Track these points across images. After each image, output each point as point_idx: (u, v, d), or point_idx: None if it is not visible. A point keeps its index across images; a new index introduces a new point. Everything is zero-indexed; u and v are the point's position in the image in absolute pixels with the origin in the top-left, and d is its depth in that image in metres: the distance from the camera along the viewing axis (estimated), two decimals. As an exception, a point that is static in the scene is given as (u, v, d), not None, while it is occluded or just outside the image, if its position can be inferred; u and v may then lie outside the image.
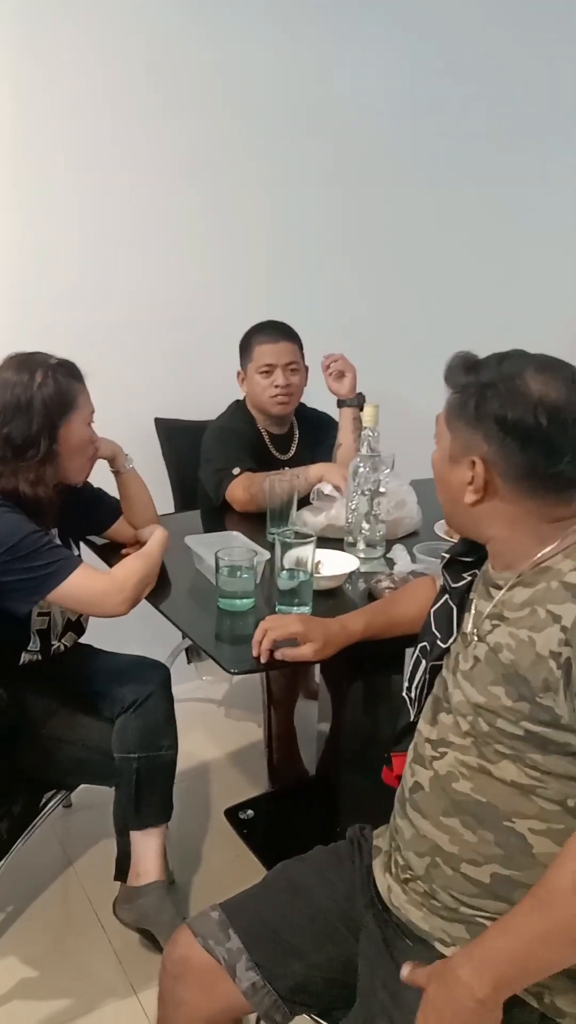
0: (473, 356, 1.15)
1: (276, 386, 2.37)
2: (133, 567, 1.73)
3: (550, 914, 0.96)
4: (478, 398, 1.10)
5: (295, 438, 2.54)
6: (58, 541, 1.83)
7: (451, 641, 1.25)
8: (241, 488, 2.24)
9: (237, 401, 2.52)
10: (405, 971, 1.06)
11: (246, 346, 2.42)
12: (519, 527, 1.12)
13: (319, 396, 2.52)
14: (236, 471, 2.27)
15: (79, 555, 1.95)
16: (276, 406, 2.40)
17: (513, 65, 3.23)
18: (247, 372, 2.42)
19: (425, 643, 1.31)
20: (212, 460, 2.36)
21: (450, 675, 1.22)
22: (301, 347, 2.42)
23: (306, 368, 2.45)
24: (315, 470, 2.23)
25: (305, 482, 2.19)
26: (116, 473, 2.04)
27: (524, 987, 1.02)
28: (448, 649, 1.25)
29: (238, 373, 2.45)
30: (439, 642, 1.27)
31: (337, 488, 2.10)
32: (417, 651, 1.34)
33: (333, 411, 2.51)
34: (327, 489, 2.11)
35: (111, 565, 1.81)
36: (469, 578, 1.26)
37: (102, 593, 1.68)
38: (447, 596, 1.29)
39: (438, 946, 1.13)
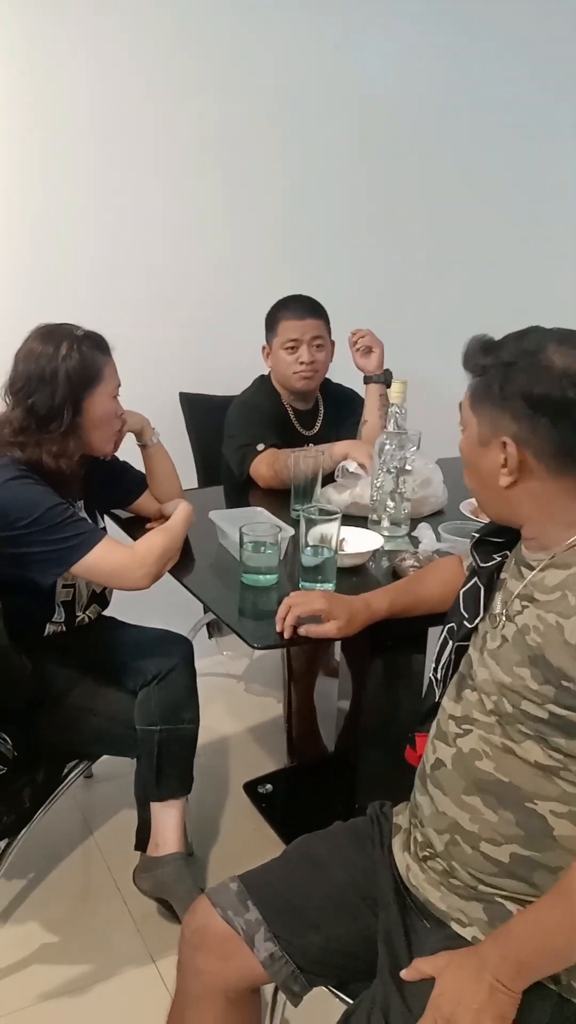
0: (489, 338, 1.14)
1: (301, 362, 2.35)
2: (155, 541, 1.73)
3: (571, 908, 0.97)
4: (502, 378, 1.08)
5: (320, 414, 2.52)
6: (83, 514, 1.84)
7: (478, 620, 1.24)
8: (265, 464, 2.23)
9: (262, 376, 2.51)
10: (409, 972, 1.08)
11: (272, 321, 2.40)
12: (554, 506, 1.10)
13: (345, 372, 2.50)
14: (260, 447, 2.26)
15: (104, 528, 1.95)
16: (301, 381, 2.39)
17: (539, 35, 3.16)
18: (272, 347, 2.40)
19: (452, 623, 1.30)
20: (236, 436, 2.35)
21: (476, 653, 1.21)
22: (327, 322, 2.40)
23: (332, 343, 2.43)
24: (340, 447, 2.22)
25: (330, 459, 2.18)
26: (143, 447, 2.04)
27: (547, 975, 1.03)
28: (475, 628, 1.25)
29: (263, 348, 2.44)
30: (466, 622, 1.26)
31: (362, 466, 2.09)
32: (444, 631, 1.33)
33: (359, 387, 2.50)
34: (352, 467, 2.10)
35: (135, 539, 1.81)
36: (499, 559, 1.25)
37: (124, 566, 1.68)
38: (476, 576, 1.28)
39: (454, 926, 1.14)
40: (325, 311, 2.39)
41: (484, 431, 1.12)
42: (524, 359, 1.07)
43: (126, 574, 1.69)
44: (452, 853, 1.15)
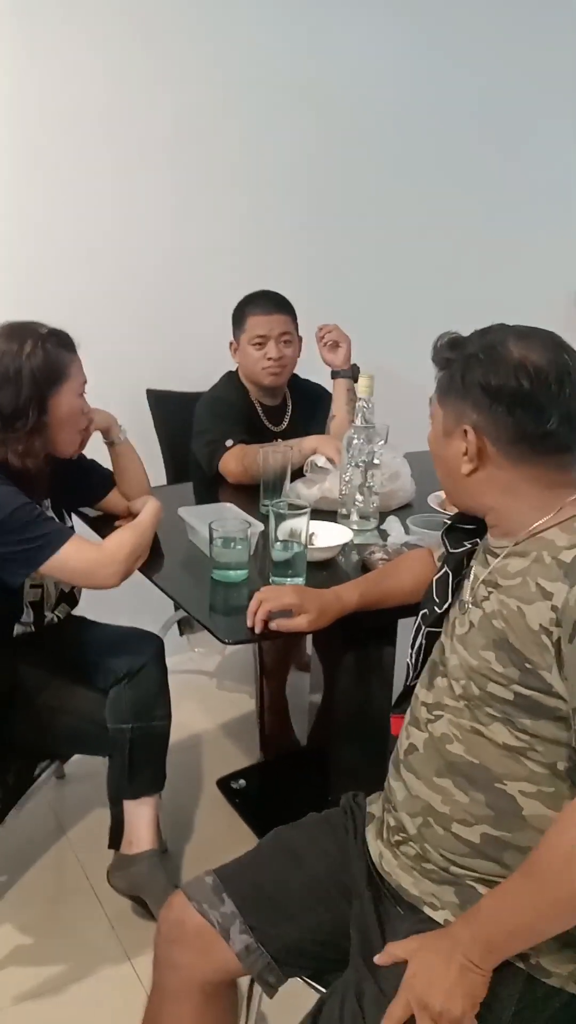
0: (457, 335, 1.19)
1: (269, 358, 2.35)
2: (124, 539, 1.73)
3: (539, 887, 1.00)
4: (463, 369, 1.13)
5: (288, 410, 2.53)
6: (50, 513, 1.83)
7: (447, 606, 1.27)
8: (234, 460, 2.23)
9: (229, 372, 2.50)
10: (382, 957, 1.10)
11: (239, 316, 2.39)
12: (516, 494, 1.14)
13: (313, 367, 2.51)
14: (229, 443, 2.26)
15: (71, 526, 1.94)
16: (268, 377, 2.39)
17: (510, 43, 3.20)
18: (240, 343, 2.40)
19: (425, 610, 1.33)
20: (205, 432, 2.35)
21: (447, 640, 1.23)
22: (295, 318, 2.40)
23: (300, 339, 2.43)
24: (309, 442, 2.23)
25: (299, 454, 2.18)
26: (110, 444, 2.03)
27: (514, 953, 1.05)
28: (447, 614, 1.27)
29: (230, 344, 2.44)
30: (436, 607, 1.29)
31: (331, 460, 2.10)
32: (418, 618, 1.35)
33: (327, 382, 2.51)
34: (320, 461, 2.10)
35: (104, 537, 1.81)
36: (469, 545, 1.28)
37: (93, 564, 1.67)
38: (445, 561, 1.30)
39: (427, 910, 1.15)
40: (292, 307, 2.40)
41: (448, 422, 1.17)
42: (484, 352, 1.12)
43: (95, 572, 1.68)
44: (425, 835, 1.17)
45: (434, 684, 1.22)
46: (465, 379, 1.13)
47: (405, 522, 1.92)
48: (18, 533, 1.62)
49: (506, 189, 3.39)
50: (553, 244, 3.49)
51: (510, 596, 1.10)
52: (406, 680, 1.38)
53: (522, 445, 1.11)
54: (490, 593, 1.15)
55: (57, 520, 1.79)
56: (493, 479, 1.15)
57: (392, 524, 1.93)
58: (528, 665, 1.06)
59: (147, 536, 1.79)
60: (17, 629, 1.86)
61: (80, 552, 1.66)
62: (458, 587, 1.27)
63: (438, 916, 1.14)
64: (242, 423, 2.36)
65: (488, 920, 1.03)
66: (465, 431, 1.13)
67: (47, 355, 1.70)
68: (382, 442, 1.97)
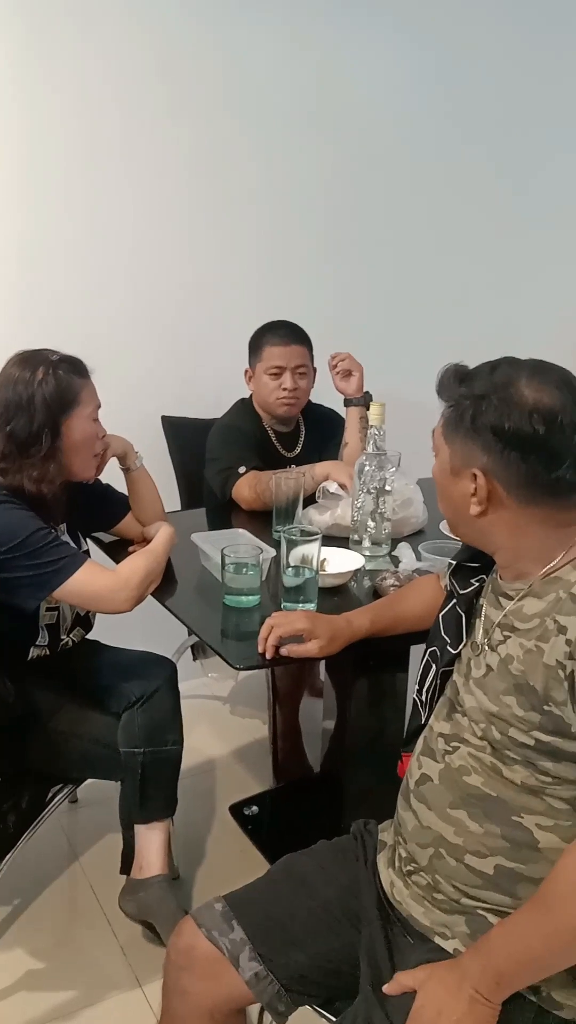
0: (464, 367, 1.16)
1: (284, 388, 2.38)
2: (137, 564, 1.74)
3: (550, 919, 0.99)
4: (474, 410, 1.10)
5: (301, 436, 2.55)
6: (65, 537, 1.85)
7: (461, 647, 1.26)
8: (247, 487, 2.25)
9: (242, 400, 2.53)
10: (391, 986, 1.10)
11: (256, 345, 2.42)
12: (526, 535, 1.13)
13: (326, 394, 2.53)
14: (242, 470, 2.28)
15: (87, 551, 1.96)
16: (282, 408, 2.41)
17: (519, 67, 3.23)
18: (255, 371, 2.43)
19: (435, 648, 1.32)
20: (218, 459, 2.37)
21: (462, 679, 1.23)
22: (311, 349, 2.43)
23: (314, 370, 2.46)
24: (321, 468, 2.24)
25: (311, 480, 2.20)
26: (126, 471, 2.05)
27: (525, 985, 1.04)
28: (459, 654, 1.27)
29: (246, 371, 2.46)
30: (449, 648, 1.28)
31: (343, 486, 2.11)
32: (427, 655, 1.35)
33: (340, 408, 2.52)
34: (332, 487, 2.12)
35: (118, 562, 1.82)
36: (476, 584, 1.27)
37: (107, 590, 1.69)
38: (455, 602, 1.30)
39: (438, 940, 1.15)
40: (309, 338, 2.43)
41: (455, 461, 1.15)
42: (496, 392, 1.09)
43: (109, 598, 1.70)
44: (436, 867, 1.16)
45: (452, 718, 1.22)
46: (476, 421, 1.10)
47: (416, 548, 1.92)
48: (33, 557, 1.64)
49: (519, 214, 3.40)
50: (566, 269, 3.51)
51: (528, 638, 1.10)
52: (411, 718, 1.37)
53: (533, 488, 1.09)
54: (507, 637, 1.14)
55: (72, 545, 1.81)
56: (502, 520, 1.13)
57: (404, 550, 1.94)
58: (547, 707, 1.05)
59: (160, 562, 1.80)
60: (33, 652, 1.87)
61: (94, 577, 1.68)
62: (469, 625, 1.26)
63: (448, 946, 1.13)
64: (255, 450, 2.38)
65: (498, 952, 1.02)
66: (475, 474, 1.11)
67: (59, 381, 1.73)
68: (394, 469, 1.98)
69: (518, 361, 1.13)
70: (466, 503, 1.14)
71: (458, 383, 1.14)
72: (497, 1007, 1.02)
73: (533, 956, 1.01)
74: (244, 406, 2.51)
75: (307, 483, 2.16)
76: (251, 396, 2.51)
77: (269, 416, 2.48)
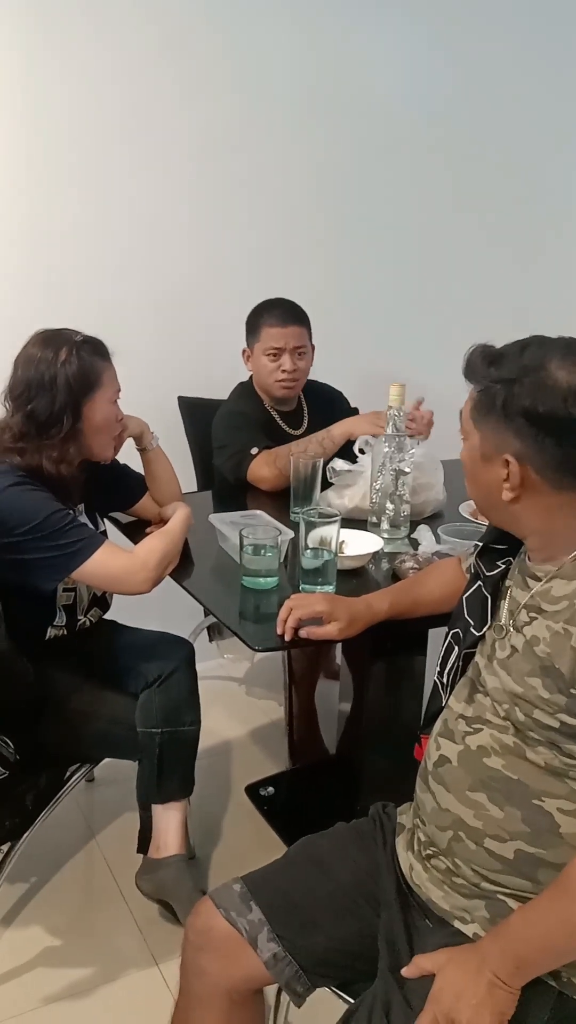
0: (491, 348, 1.12)
1: (283, 371, 2.34)
2: (155, 546, 1.74)
3: (570, 905, 0.98)
4: (505, 395, 1.07)
5: (304, 412, 2.52)
6: (83, 518, 1.85)
7: (485, 629, 1.25)
8: (265, 465, 2.23)
9: (241, 383, 2.50)
10: (409, 969, 1.09)
11: (254, 325, 2.38)
12: (558, 519, 1.11)
13: (324, 373, 2.52)
14: (254, 451, 2.26)
15: (104, 531, 1.96)
16: (281, 390, 2.39)
17: (524, 53, 3.19)
18: (253, 351, 2.39)
19: (458, 630, 1.31)
20: (227, 446, 2.34)
21: (485, 661, 1.22)
22: (310, 328, 2.39)
23: (313, 348, 2.42)
24: (340, 428, 2.23)
25: (332, 443, 2.19)
26: (142, 451, 2.05)
27: (545, 971, 1.04)
28: (483, 635, 1.25)
29: (244, 351, 2.43)
30: (472, 629, 1.26)
31: (361, 451, 2.07)
32: (449, 637, 1.34)
33: (337, 383, 2.52)
34: (339, 464, 2.08)
35: (136, 542, 1.82)
36: (503, 566, 1.26)
37: (124, 571, 1.69)
38: (480, 583, 1.28)
39: (457, 924, 1.14)
40: (307, 316, 2.38)
41: (486, 446, 1.12)
42: (527, 375, 1.06)
43: (127, 579, 1.70)
44: (455, 850, 1.16)
45: (474, 699, 1.20)
46: (507, 406, 1.07)
47: (436, 531, 1.91)
48: (52, 539, 1.64)
49: (542, 198, 3.37)
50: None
51: (556, 620, 1.08)
52: (431, 700, 1.36)
53: (567, 471, 1.07)
54: (533, 619, 1.12)
55: (90, 526, 1.81)
56: (535, 505, 1.11)
57: (423, 533, 1.92)
58: (574, 690, 1.04)
59: (178, 543, 1.80)
60: (50, 632, 1.87)
61: (112, 558, 1.67)
62: (494, 607, 1.25)
63: (468, 930, 1.13)
64: (262, 431, 2.36)
65: (518, 937, 1.02)
66: (507, 460, 1.09)
67: (82, 362, 1.72)
68: (413, 450, 1.96)
69: (548, 340, 1.10)
70: (498, 489, 1.12)
71: (487, 365, 1.11)
72: (516, 992, 1.01)
73: (553, 942, 1.01)
74: (245, 389, 2.48)
75: (328, 447, 2.15)
76: (250, 378, 2.48)
77: (270, 398, 2.46)
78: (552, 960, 1.03)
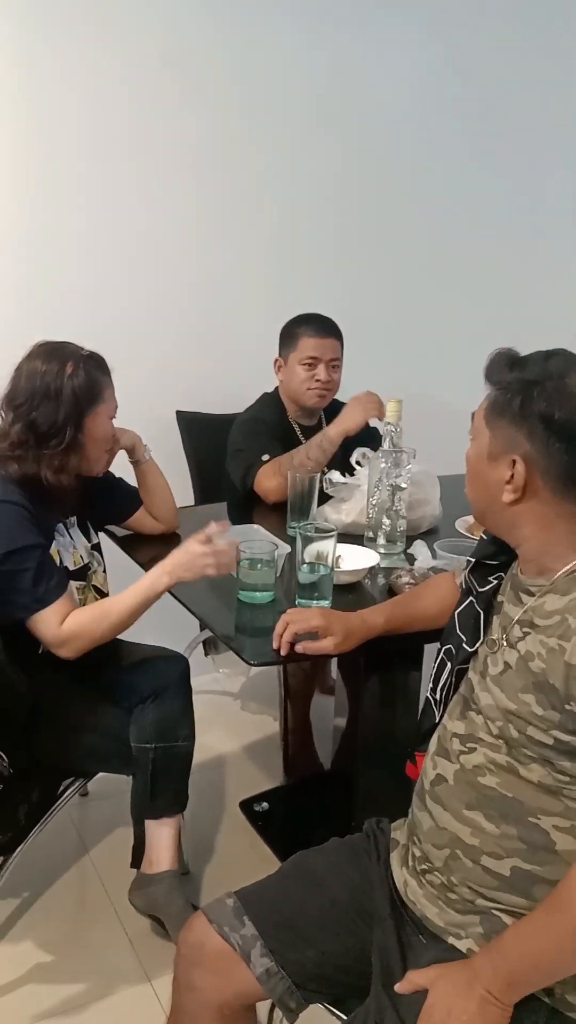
0: (516, 353, 1.14)
1: (317, 380, 2.38)
2: (89, 628, 1.69)
3: (563, 921, 0.99)
4: (524, 396, 1.09)
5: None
6: (75, 530, 1.88)
7: (478, 644, 1.25)
8: (273, 476, 2.25)
9: (266, 393, 2.53)
10: (402, 985, 1.09)
11: (290, 335, 2.42)
12: (554, 530, 1.12)
13: (345, 391, 2.52)
14: (265, 458, 2.28)
15: (98, 544, 1.97)
16: (314, 399, 2.42)
17: (527, 64, 3.23)
18: (287, 361, 2.42)
19: (450, 646, 1.31)
20: (242, 450, 2.36)
21: (477, 677, 1.22)
22: (343, 345, 2.43)
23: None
24: (335, 428, 2.28)
25: (331, 444, 2.25)
26: (135, 463, 2.05)
27: (538, 988, 1.04)
28: (475, 651, 1.25)
29: (276, 361, 2.46)
30: (465, 645, 1.27)
31: (358, 467, 2.09)
32: (442, 653, 1.34)
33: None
34: (335, 476, 2.09)
35: (134, 556, 1.81)
36: (495, 581, 1.26)
37: (49, 642, 1.70)
38: (472, 599, 1.28)
39: (451, 940, 1.14)
40: (341, 333, 2.43)
41: (496, 445, 1.13)
42: (549, 381, 1.07)
43: (50, 648, 1.71)
44: (452, 868, 1.15)
45: (467, 717, 1.21)
46: (524, 407, 1.08)
47: (432, 546, 1.91)
48: (9, 579, 1.64)
49: (541, 210, 3.41)
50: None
51: (549, 636, 1.08)
52: (423, 716, 1.37)
53: (569, 481, 1.08)
54: (526, 634, 1.13)
55: (47, 574, 1.72)
56: (533, 511, 1.12)
57: (419, 548, 1.93)
58: (568, 706, 1.04)
59: (123, 622, 1.73)
60: (44, 646, 1.87)
61: (44, 626, 1.67)
62: (486, 623, 1.25)
63: (462, 945, 1.13)
64: (279, 442, 2.38)
65: (510, 953, 1.02)
66: (514, 460, 1.10)
67: (88, 376, 1.74)
68: (409, 466, 1.97)
69: (573, 353, 1.12)
70: (500, 489, 1.13)
71: (508, 368, 1.12)
72: (509, 1008, 1.01)
73: (546, 958, 1.01)
74: (269, 399, 2.51)
75: (327, 447, 2.23)
76: (276, 389, 2.50)
77: (295, 409, 2.48)
78: (545, 976, 1.03)
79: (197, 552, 1.66)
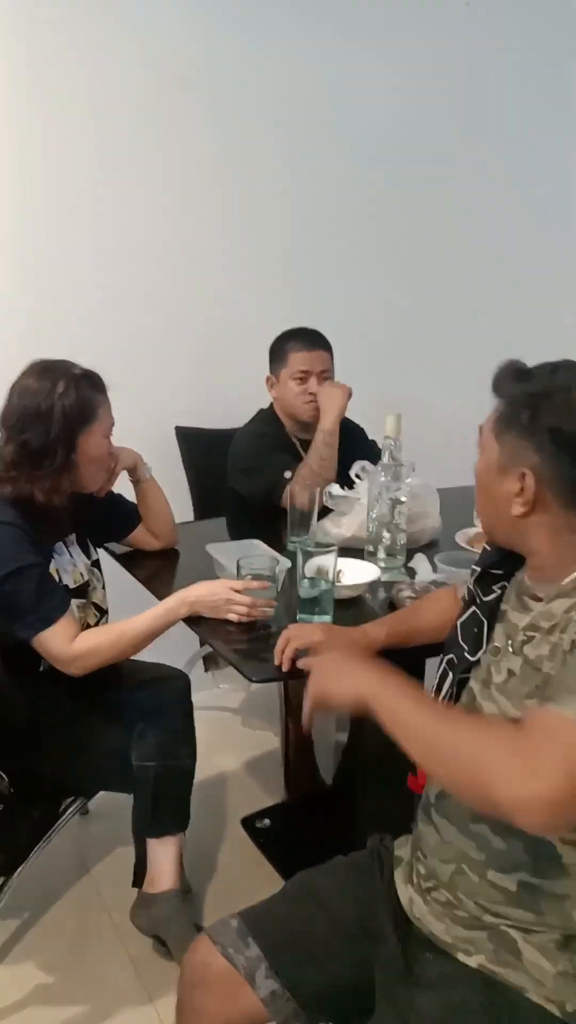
0: (523, 365, 1.14)
1: (310, 393, 2.38)
2: (100, 647, 1.70)
3: (447, 728, 1.04)
4: (532, 409, 1.09)
5: None
6: (74, 548, 1.87)
7: (480, 653, 1.24)
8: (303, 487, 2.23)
9: (262, 409, 2.52)
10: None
11: (280, 351, 2.41)
12: (564, 540, 1.12)
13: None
14: (288, 474, 2.26)
15: (97, 560, 1.96)
16: (310, 411, 2.40)
17: (524, 79, 3.25)
18: (280, 377, 2.42)
19: (452, 655, 1.30)
20: (258, 468, 2.33)
21: (480, 687, 1.21)
22: (332, 356, 2.43)
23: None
24: (327, 421, 2.31)
25: (332, 437, 2.28)
26: (135, 482, 2.05)
27: (373, 711, 1.08)
28: (477, 661, 1.25)
29: (267, 378, 2.45)
30: (467, 654, 1.26)
31: (358, 480, 2.08)
32: (444, 663, 1.33)
33: (358, 419, 2.52)
34: (335, 489, 2.09)
35: (134, 573, 1.80)
36: (499, 591, 1.26)
37: (57, 660, 1.69)
38: (475, 609, 1.28)
39: (461, 956, 1.13)
40: (331, 345, 2.42)
41: (504, 458, 1.13)
42: (557, 394, 1.08)
43: (59, 665, 1.70)
44: (458, 883, 1.15)
45: None
46: (532, 420, 1.08)
47: (433, 559, 1.91)
48: (7, 599, 1.64)
49: (547, 224, 3.42)
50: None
51: (553, 633, 1.08)
52: None
53: None
54: (531, 638, 1.13)
55: (52, 593, 1.72)
56: (543, 523, 1.12)
57: (420, 562, 1.92)
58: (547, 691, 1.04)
59: (134, 646, 1.74)
60: (44, 663, 1.86)
61: (51, 643, 1.67)
62: (489, 632, 1.25)
63: (472, 961, 1.11)
64: (288, 455, 2.37)
65: (392, 681, 1.09)
66: (523, 474, 1.10)
67: (80, 395, 1.72)
68: (409, 480, 1.97)
69: None
70: (508, 502, 1.12)
71: (516, 381, 1.12)
72: (370, 671, 1.13)
73: (403, 718, 1.06)
74: (267, 415, 2.50)
75: (332, 442, 2.26)
76: (271, 405, 2.49)
77: (292, 423, 2.47)
78: (388, 716, 1.07)
79: (225, 597, 1.65)
